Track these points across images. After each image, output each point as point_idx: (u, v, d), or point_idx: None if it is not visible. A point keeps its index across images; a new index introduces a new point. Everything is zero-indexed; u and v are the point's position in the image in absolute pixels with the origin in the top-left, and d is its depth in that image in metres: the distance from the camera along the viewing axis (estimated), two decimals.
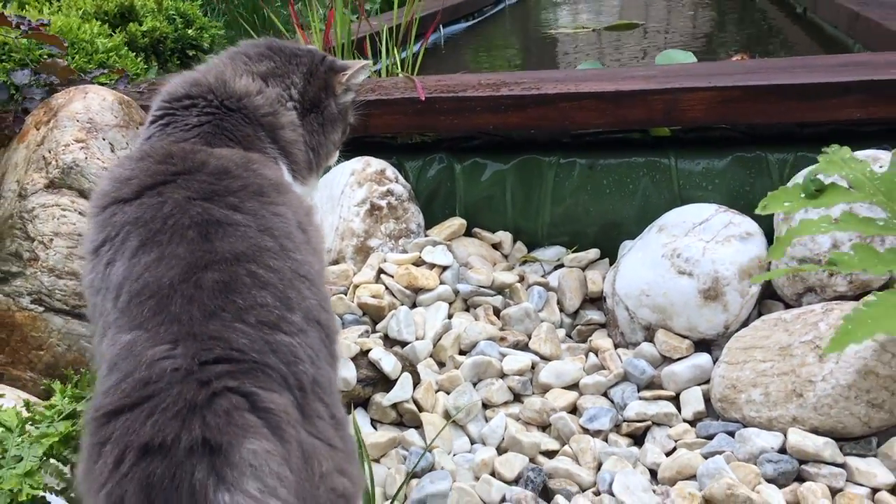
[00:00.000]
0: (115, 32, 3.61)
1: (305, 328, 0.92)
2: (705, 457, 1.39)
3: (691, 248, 1.66)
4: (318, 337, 0.95)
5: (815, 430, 1.39)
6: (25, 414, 1.16)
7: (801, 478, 1.35)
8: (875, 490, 1.31)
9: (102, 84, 2.24)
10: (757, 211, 0.97)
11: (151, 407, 0.77)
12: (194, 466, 0.74)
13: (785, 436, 1.40)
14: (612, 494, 1.34)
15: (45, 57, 2.09)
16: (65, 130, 1.75)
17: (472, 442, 1.54)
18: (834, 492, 1.31)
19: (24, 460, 1.00)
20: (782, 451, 1.39)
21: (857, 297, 1.52)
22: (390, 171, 1.98)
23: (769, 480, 1.34)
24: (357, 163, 1.97)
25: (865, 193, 0.88)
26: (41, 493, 0.97)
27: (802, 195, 0.91)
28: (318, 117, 1.34)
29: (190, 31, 4.30)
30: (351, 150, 2.03)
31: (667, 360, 1.65)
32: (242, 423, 0.77)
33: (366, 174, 1.94)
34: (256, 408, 0.79)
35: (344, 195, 1.93)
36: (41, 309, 1.65)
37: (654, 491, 1.34)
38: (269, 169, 1.17)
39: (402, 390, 1.57)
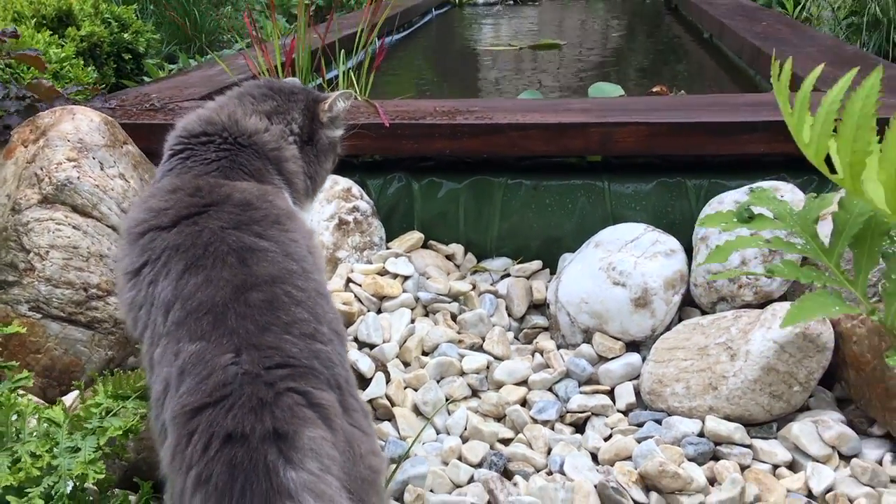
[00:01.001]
0: (61, 39, 3.66)
1: (332, 338, 1.13)
2: (638, 441, 1.65)
3: (624, 262, 1.92)
4: (339, 344, 1.15)
5: (728, 418, 1.67)
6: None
7: (716, 457, 1.62)
8: (776, 466, 1.60)
9: (75, 100, 2.36)
10: (697, 226, 1.22)
11: (230, 404, 0.96)
12: (267, 451, 0.93)
13: (703, 422, 1.67)
14: (563, 473, 1.58)
15: (30, 79, 2.19)
16: (56, 150, 1.88)
17: (438, 432, 1.76)
18: (743, 468, 1.58)
19: (83, 451, 1.17)
20: (701, 434, 1.66)
21: (760, 306, 1.82)
22: (356, 189, 2.18)
23: (690, 459, 1.60)
24: (326, 181, 2.15)
25: (787, 224, 1.14)
26: (103, 476, 1.14)
27: (735, 219, 1.16)
28: (313, 149, 1.54)
29: (126, 35, 4.32)
30: None
31: (603, 359, 1.91)
32: (302, 415, 0.97)
33: (334, 192, 2.14)
34: (311, 403, 0.99)
35: (314, 211, 2.12)
36: (39, 316, 1.78)
37: (597, 470, 1.59)
38: (279, 199, 1.36)
39: (376, 387, 1.77)
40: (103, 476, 1.12)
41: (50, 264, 1.80)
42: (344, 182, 2.17)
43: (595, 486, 1.51)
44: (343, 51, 2.82)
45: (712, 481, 1.55)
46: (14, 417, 1.25)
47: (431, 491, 1.55)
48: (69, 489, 1.20)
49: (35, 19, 3.99)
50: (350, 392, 1.09)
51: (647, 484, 1.52)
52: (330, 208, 2.12)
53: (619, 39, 5.31)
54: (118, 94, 2.69)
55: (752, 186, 1.23)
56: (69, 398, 1.64)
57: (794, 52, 2.90)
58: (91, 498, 1.25)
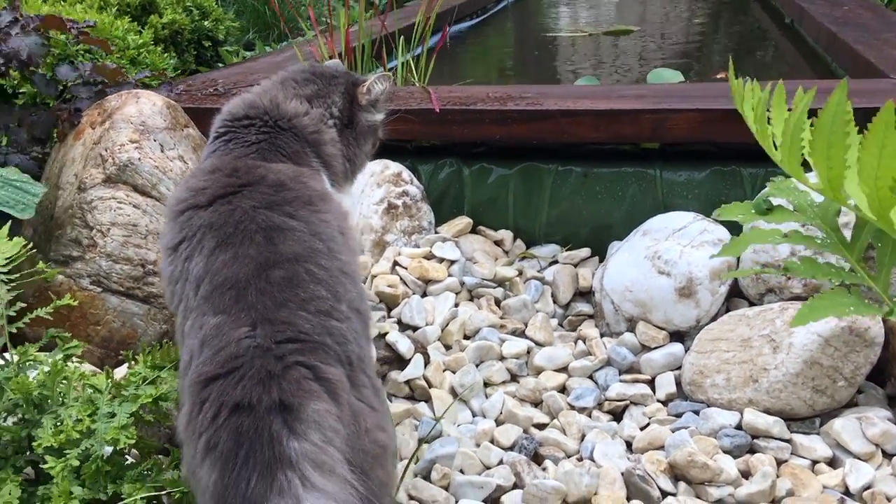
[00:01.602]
0: (141, 26, 3.80)
1: (350, 316, 1.16)
2: (673, 431, 1.63)
3: (670, 251, 1.90)
4: (359, 322, 1.18)
5: (768, 411, 1.64)
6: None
7: (752, 450, 1.59)
8: (815, 462, 1.56)
9: (146, 84, 2.46)
10: (713, 216, 1.20)
11: (240, 375, 1.00)
12: (272, 421, 0.97)
13: (741, 415, 1.64)
14: (592, 460, 1.58)
15: (96, 60, 2.30)
16: (120, 131, 1.97)
17: (474, 415, 1.78)
18: (780, 462, 1.55)
19: (118, 416, 1.24)
20: (739, 427, 1.63)
21: (808, 298, 1.77)
22: (406, 174, 2.21)
23: (726, 452, 1.58)
24: (376, 165, 2.20)
25: (807, 217, 1.11)
26: (133, 443, 1.20)
27: (753, 211, 1.14)
28: (353, 132, 1.57)
29: (206, 23, 4.45)
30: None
31: (645, 348, 1.89)
32: (308, 388, 1.01)
33: (384, 176, 2.18)
34: (318, 378, 1.03)
35: (364, 194, 2.17)
36: (99, 289, 1.88)
37: (628, 458, 1.58)
38: (315, 181, 1.40)
39: (414, 368, 1.81)
40: (134, 441, 1.19)
41: (111, 241, 1.89)
42: (394, 167, 2.20)
43: (622, 474, 1.50)
44: (403, 38, 2.85)
45: (746, 474, 1.52)
46: (61, 383, 1.33)
47: (461, 471, 1.57)
48: (108, 453, 1.27)
49: (119, 7, 4.14)
50: (362, 369, 1.11)
51: (677, 474, 1.51)
52: (380, 192, 2.16)
53: (698, 25, 5.18)
54: (186, 80, 2.79)
55: (773, 178, 1.21)
56: (122, 369, 1.73)
57: (871, 39, 2.78)
58: (129, 461, 1.32)
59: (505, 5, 6.16)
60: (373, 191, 2.16)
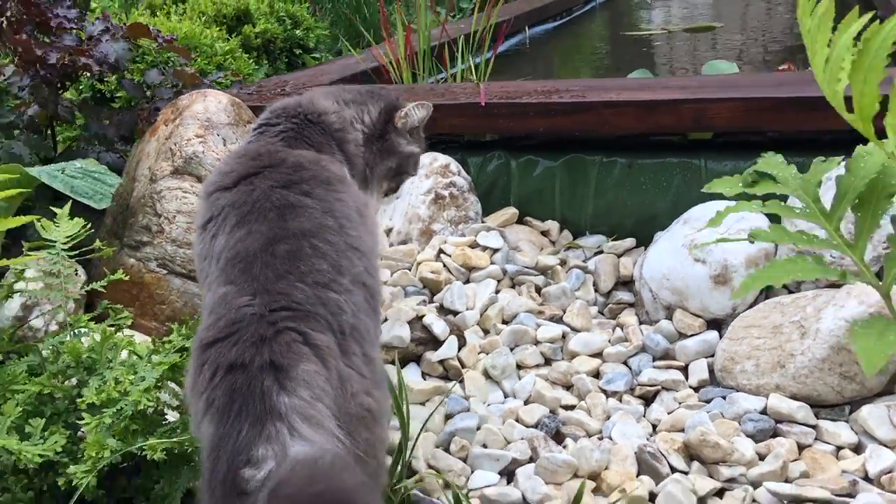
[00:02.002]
0: (231, 35, 4.03)
1: (352, 289, 1.23)
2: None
3: (707, 239, 1.90)
4: (362, 296, 1.25)
5: (794, 397, 1.63)
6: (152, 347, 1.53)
7: (776, 434, 1.59)
8: (839, 448, 1.54)
9: (221, 85, 2.64)
10: (703, 189, 1.22)
11: (236, 339, 1.10)
12: (264, 378, 1.05)
13: (767, 400, 1.63)
14: (611, 439, 1.61)
15: (177, 65, 2.49)
16: (188, 127, 2.14)
17: (506, 396, 1.83)
18: (802, 447, 1.54)
19: (146, 380, 1.36)
20: (763, 412, 1.62)
21: (842, 285, 1.74)
22: (454, 166, 2.29)
23: (748, 435, 1.58)
24: (426, 157, 2.28)
25: (789, 188, 1.13)
26: (154, 405, 1.33)
27: (740, 184, 1.16)
28: (381, 144, 1.68)
29: (297, 32, 4.66)
30: None
31: (682, 336, 1.90)
32: (298, 351, 1.09)
33: (432, 167, 2.26)
34: (308, 342, 1.11)
35: (413, 185, 2.26)
36: (165, 272, 2.05)
37: (646, 438, 1.61)
38: (335, 166, 1.50)
39: (448, 349, 1.88)
40: (153, 403, 1.31)
41: (176, 227, 2.05)
42: (443, 159, 2.29)
43: (635, 452, 1.53)
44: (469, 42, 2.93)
45: (766, 458, 1.52)
46: (110, 349, 1.47)
47: (484, 445, 1.64)
48: (151, 411, 1.40)
49: (216, 18, 4.38)
50: (355, 338, 1.17)
51: (691, 453, 1.53)
52: (427, 183, 2.24)
53: (786, 20, 5.04)
54: (260, 81, 2.96)
55: (763, 154, 1.21)
56: None
57: None
58: (167, 419, 1.45)
59: (593, 6, 6.16)
60: (421, 181, 2.25)
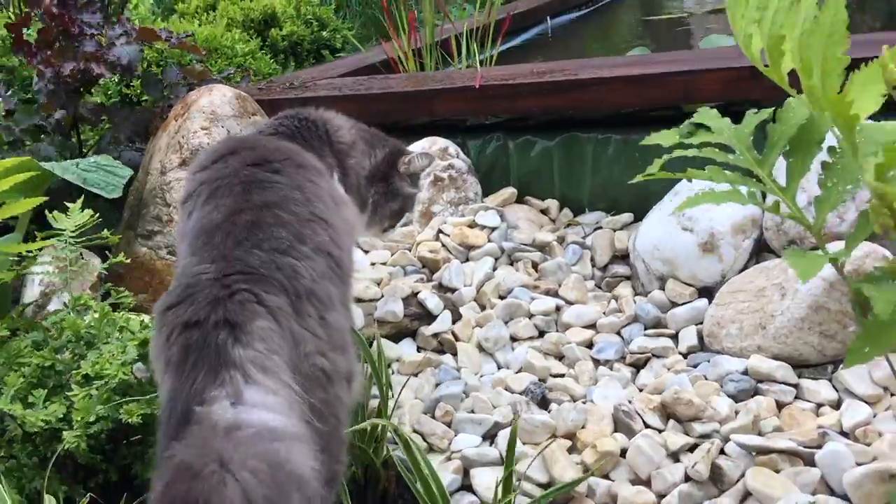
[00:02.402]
0: (256, 37, 4.15)
1: (313, 256, 1.28)
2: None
3: (695, 208, 1.92)
4: (325, 263, 1.30)
5: (777, 357, 1.64)
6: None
7: (757, 394, 1.60)
8: (820, 405, 1.55)
9: (232, 80, 2.74)
10: (642, 142, 1.25)
11: (192, 300, 1.15)
12: (219, 333, 1.10)
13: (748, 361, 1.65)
14: (592, 402, 1.65)
15: (186, 63, 2.60)
16: (194, 121, 2.23)
17: (499, 367, 1.88)
18: (781, 405, 1.56)
19: (127, 355, 1.45)
20: (745, 373, 1.64)
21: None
22: (452, 148, 2.34)
23: (731, 396, 1.59)
24: (425, 141, 2.35)
25: (723, 137, 1.16)
26: (128, 378, 1.41)
27: (678, 136, 1.20)
28: (386, 186, 1.82)
29: (324, 34, 4.76)
30: (424, 131, 2.42)
31: (675, 304, 1.92)
32: (252, 310, 1.14)
33: (431, 151, 2.31)
34: (261, 303, 1.16)
35: None
36: (174, 259, 2.14)
37: (628, 401, 1.64)
38: (318, 161, 1.57)
39: (442, 323, 1.93)
40: (128, 378, 1.39)
41: None
42: (441, 142, 2.34)
43: (612, 413, 1.57)
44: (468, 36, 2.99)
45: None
46: (108, 326, 1.56)
47: (472, 412, 1.68)
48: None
49: (244, 22, 4.50)
50: (311, 302, 1.22)
51: (668, 412, 1.55)
52: None
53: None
54: (272, 78, 3.06)
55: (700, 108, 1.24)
56: None
57: None
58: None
59: None
60: None
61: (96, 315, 1.57)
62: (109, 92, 3.31)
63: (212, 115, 2.24)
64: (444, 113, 2.36)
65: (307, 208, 1.35)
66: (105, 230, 1.79)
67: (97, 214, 1.81)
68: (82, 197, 1.85)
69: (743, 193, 1.09)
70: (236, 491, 0.92)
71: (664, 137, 1.16)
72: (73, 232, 1.73)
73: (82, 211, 1.79)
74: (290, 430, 1.05)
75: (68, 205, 1.84)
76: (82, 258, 1.72)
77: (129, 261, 1.77)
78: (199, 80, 2.55)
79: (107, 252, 2.18)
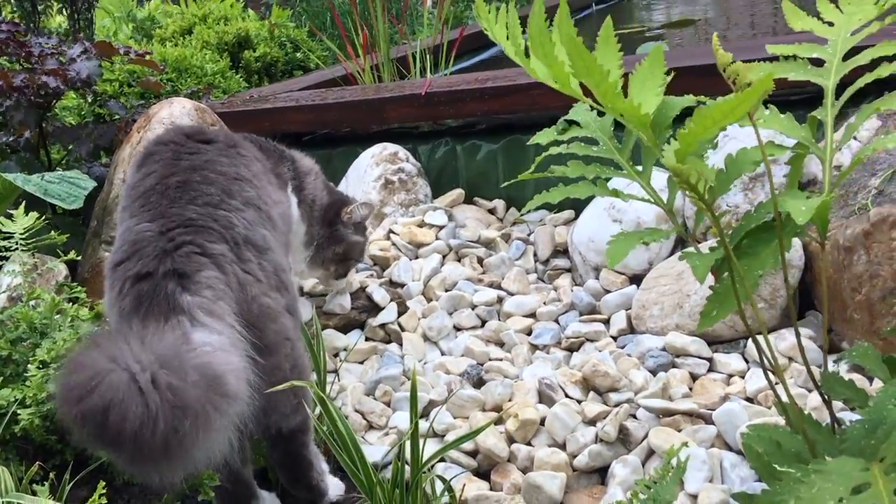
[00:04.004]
0: (223, 58, 4.27)
1: (243, 208, 1.40)
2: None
3: (622, 201, 2.04)
4: (255, 215, 1.42)
5: (692, 334, 1.75)
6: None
7: (674, 367, 1.71)
8: (730, 375, 1.66)
9: (195, 96, 2.86)
10: (529, 143, 1.35)
11: (140, 255, 1.26)
12: (168, 283, 1.21)
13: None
14: (521, 379, 1.75)
15: (148, 76, 2.71)
16: (154, 131, 2.34)
17: (442, 354, 1.98)
18: (695, 377, 1.67)
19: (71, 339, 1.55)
20: (664, 349, 1.75)
21: None
22: (402, 153, 2.46)
23: (650, 370, 1.70)
24: (376, 148, 2.47)
25: (590, 130, 1.27)
26: None
27: (556, 133, 1.30)
28: (331, 232, 1.95)
29: (298, 55, 4.89)
30: (379, 138, 2.54)
31: (608, 292, 2.03)
32: (198, 261, 1.25)
33: (382, 156, 2.44)
34: (206, 253, 1.27)
35: (366, 173, 2.44)
36: None
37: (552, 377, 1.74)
38: (266, 162, 1.69)
39: (388, 314, 2.04)
40: None
41: None
42: (392, 147, 2.46)
43: (537, 387, 1.67)
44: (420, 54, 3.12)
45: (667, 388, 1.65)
46: (57, 315, 1.66)
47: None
48: None
49: (219, 45, 4.62)
50: (249, 248, 1.34)
51: (588, 385, 1.66)
52: (377, 170, 2.42)
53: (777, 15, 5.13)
54: (236, 93, 3.18)
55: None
56: None
57: None
58: None
59: (588, 13, 6.31)
60: (372, 169, 2.42)
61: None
62: (83, 112, 3.43)
63: (171, 125, 2.35)
64: (393, 120, 2.48)
65: (233, 169, 1.46)
66: (52, 231, 1.89)
67: (43, 218, 1.90)
68: (23, 203, 1.95)
69: (586, 182, 1.19)
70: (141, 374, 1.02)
71: (543, 137, 1.27)
72: (22, 234, 1.82)
73: (27, 215, 1.89)
74: (226, 355, 1.14)
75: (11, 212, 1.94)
76: (45, 265, 1.83)
77: (80, 257, 1.87)
78: (155, 91, 2.67)
79: (77, 263, 2.29)
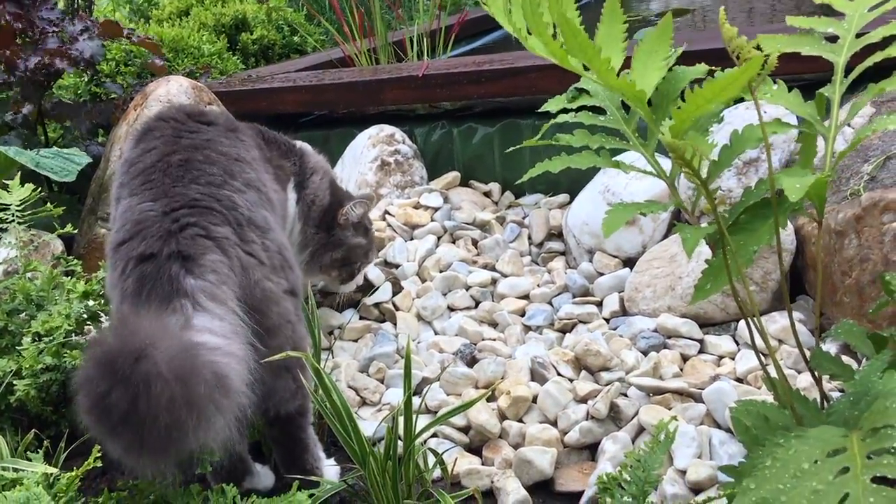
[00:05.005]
0: (220, 40, 4.27)
1: (244, 189, 1.40)
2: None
3: (617, 183, 2.05)
4: (256, 196, 1.42)
5: (684, 316, 1.77)
6: None
7: (665, 348, 1.73)
8: (721, 357, 1.68)
9: (193, 76, 2.86)
10: (540, 109, 1.35)
11: (143, 235, 1.25)
12: (171, 265, 1.20)
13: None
14: (513, 358, 1.77)
15: (153, 60, 2.71)
16: (151, 108, 2.35)
17: (436, 333, 2.00)
18: (686, 357, 1.69)
19: (72, 312, 1.56)
20: (656, 331, 1.77)
21: None
22: (399, 135, 2.47)
23: (642, 351, 1.72)
24: (373, 129, 2.47)
25: (599, 99, 1.28)
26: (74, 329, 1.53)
27: (566, 101, 1.31)
28: (329, 237, 1.88)
29: (296, 38, 4.88)
30: (376, 120, 2.55)
31: (601, 274, 2.05)
32: (203, 244, 1.25)
33: (378, 137, 2.45)
34: (209, 236, 1.27)
35: (362, 154, 2.44)
36: None
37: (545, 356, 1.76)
38: (267, 151, 1.69)
39: (382, 293, 2.05)
40: (73, 328, 1.51)
41: None
42: (388, 129, 2.47)
43: (529, 366, 1.69)
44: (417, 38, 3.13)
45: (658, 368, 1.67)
46: (54, 290, 1.67)
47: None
48: None
49: (216, 27, 4.61)
50: (252, 229, 1.34)
51: (581, 364, 1.67)
52: (374, 152, 2.43)
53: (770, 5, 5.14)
54: (233, 74, 3.18)
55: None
56: None
57: None
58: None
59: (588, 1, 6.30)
60: (368, 151, 2.43)
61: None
62: (79, 91, 3.43)
63: (168, 102, 2.35)
64: (390, 102, 2.49)
65: (233, 150, 1.46)
66: (48, 204, 1.89)
67: (39, 191, 1.90)
68: (19, 173, 1.95)
69: (587, 152, 1.20)
70: (153, 368, 0.98)
71: (553, 104, 1.28)
72: (18, 206, 1.83)
73: (22, 186, 1.89)
74: (228, 348, 1.14)
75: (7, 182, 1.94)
76: (41, 238, 1.83)
77: (76, 231, 1.87)
78: (159, 74, 2.67)
79: (73, 238, 2.30)
